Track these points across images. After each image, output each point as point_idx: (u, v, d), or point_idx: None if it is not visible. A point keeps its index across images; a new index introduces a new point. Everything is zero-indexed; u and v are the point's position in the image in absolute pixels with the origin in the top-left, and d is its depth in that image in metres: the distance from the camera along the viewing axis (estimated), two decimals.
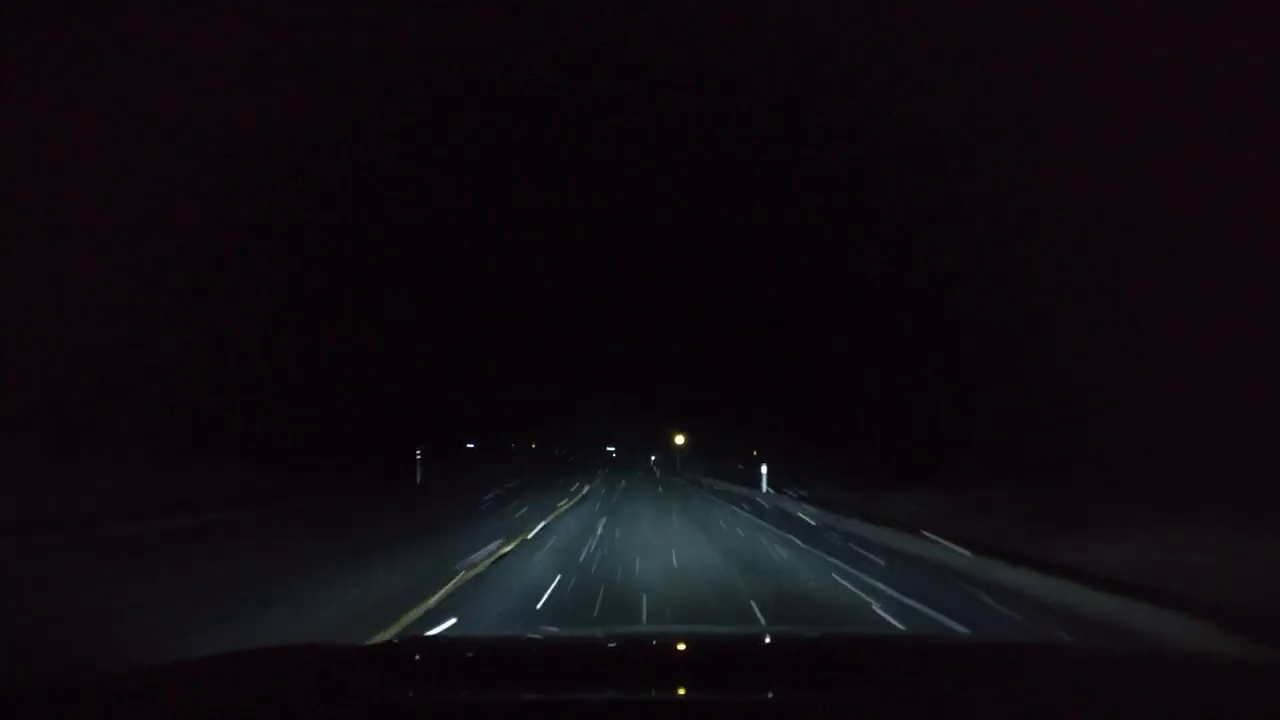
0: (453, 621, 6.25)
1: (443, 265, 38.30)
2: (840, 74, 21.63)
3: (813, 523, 15.82)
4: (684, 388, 71.83)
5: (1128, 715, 1.65)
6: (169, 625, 6.20)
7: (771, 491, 25.48)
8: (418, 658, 2.10)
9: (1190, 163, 13.32)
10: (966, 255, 19.91)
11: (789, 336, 38.57)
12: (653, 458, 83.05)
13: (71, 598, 7.19)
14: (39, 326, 16.36)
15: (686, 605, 7.25)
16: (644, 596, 7.47)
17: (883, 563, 10.10)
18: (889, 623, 6.50)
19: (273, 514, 15.97)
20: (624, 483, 35.05)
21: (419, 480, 29.19)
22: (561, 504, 20.38)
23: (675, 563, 10.07)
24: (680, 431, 64.40)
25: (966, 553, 9.95)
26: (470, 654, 2.26)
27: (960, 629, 6.29)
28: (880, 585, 8.25)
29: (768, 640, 2.77)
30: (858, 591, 7.96)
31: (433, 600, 7.03)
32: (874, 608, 7.12)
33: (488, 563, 9.52)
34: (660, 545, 11.73)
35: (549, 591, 7.72)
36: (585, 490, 27.98)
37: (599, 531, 13.71)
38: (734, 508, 20.68)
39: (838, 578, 8.86)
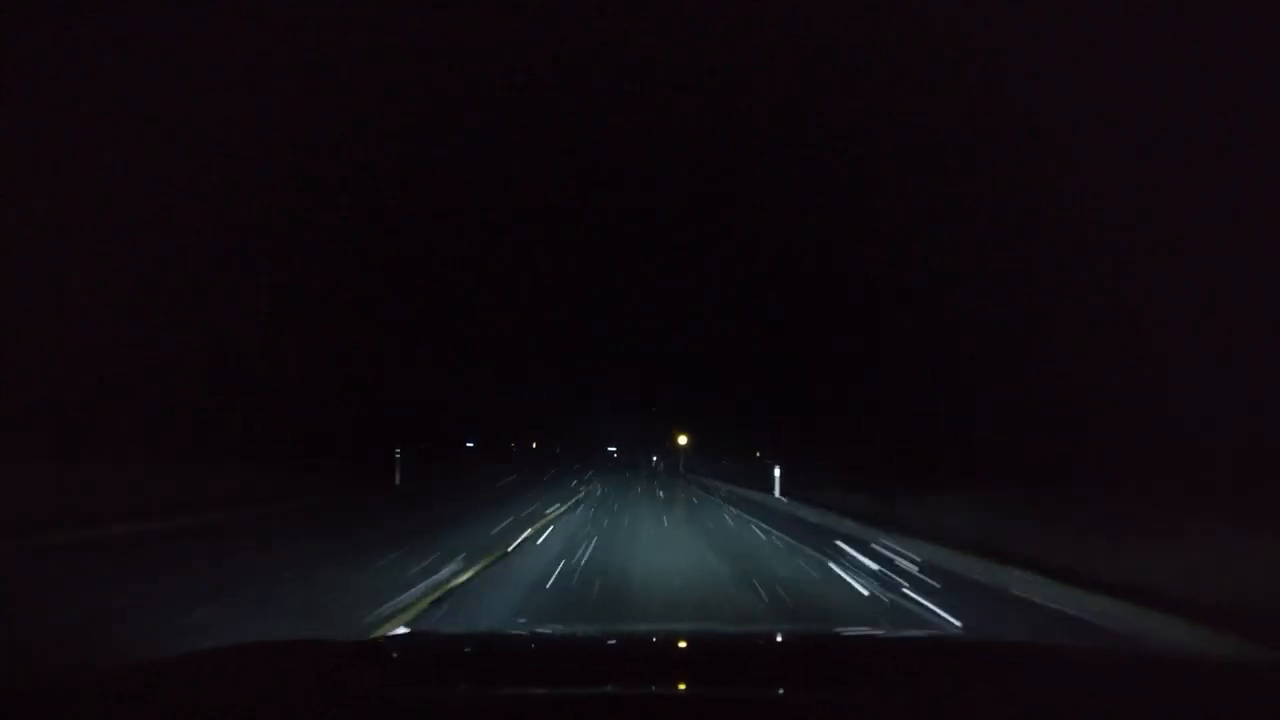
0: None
1: (443, 265, 38.21)
2: (840, 74, 21.61)
3: (874, 560, 11.07)
4: (684, 388, 71.72)
5: (1128, 716, 1.65)
6: (169, 625, 6.20)
7: (785, 499, 22.62)
8: (417, 654, 2.10)
9: (1190, 163, 13.31)
10: (966, 255, 19.88)
11: (789, 336, 38.51)
12: (654, 458, 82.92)
13: (71, 598, 7.19)
14: (39, 326, 16.36)
15: None
16: None
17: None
18: None
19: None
20: (626, 474, 35.02)
21: (398, 482, 26.04)
22: (550, 511, 18.62)
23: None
24: (683, 432, 64.44)
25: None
26: (469, 650, 2.26)
27: None
28: None
29: (769, 639, 2.76)
30: None
31: None
32: None
33: (424, 604, 7.25)
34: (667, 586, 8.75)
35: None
36: (582, 494, 27.85)
37: (581, 558, 10.93)
38: (761, 523, 17.02)
39: None
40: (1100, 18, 14.53)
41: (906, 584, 9.10)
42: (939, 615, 7.35)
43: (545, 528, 15.18)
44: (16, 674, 4.14)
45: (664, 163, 39.12)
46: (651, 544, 13.41)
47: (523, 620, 6.38)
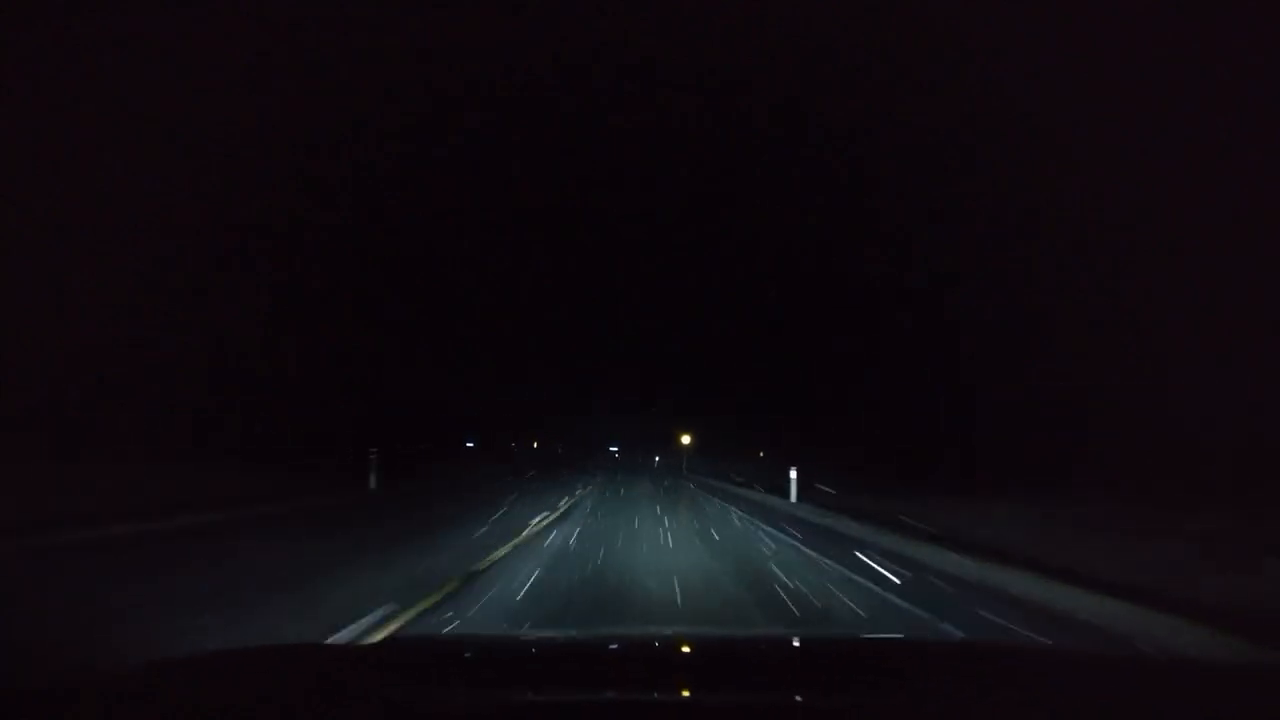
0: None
1: (443, 265, 38.27)
2: (840, 74, 21.64)
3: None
4: (684, 388, 71.89)
5: None
6: (169, 625, 6.20)
7: (825, 511, 17.35)
8: (417, 658, 2.10)
9: (1190, 163, 13.32)
10: (966, 255, 19.91)
11: (789, 336, 38.59)
12: (656, 458, 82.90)
13: (71, 598, 7.19)
14: (39, 326, 16.37)
15: None
16: None
17: None
18: None
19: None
20: (622, 490, 27.90)
21: (373, 486, 22.00)
22: (534, 520, 14.92)
23: None
24: (685, 431, 64.54)
25: None
26: (469, 654, 2.25)
27: None
28: None
29: (772, 643, 2.74)
30: None
31: None
32: None
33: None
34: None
35: None
36: (578, 494, 27.61)
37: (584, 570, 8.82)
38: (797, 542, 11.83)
39: None
40: (1100, 18, 14.54)
41: None
42: None
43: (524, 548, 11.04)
44: (16, 674, 4.14)
45: (664, 163, 39.20)
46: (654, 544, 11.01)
47: (528, 625, 6.34)
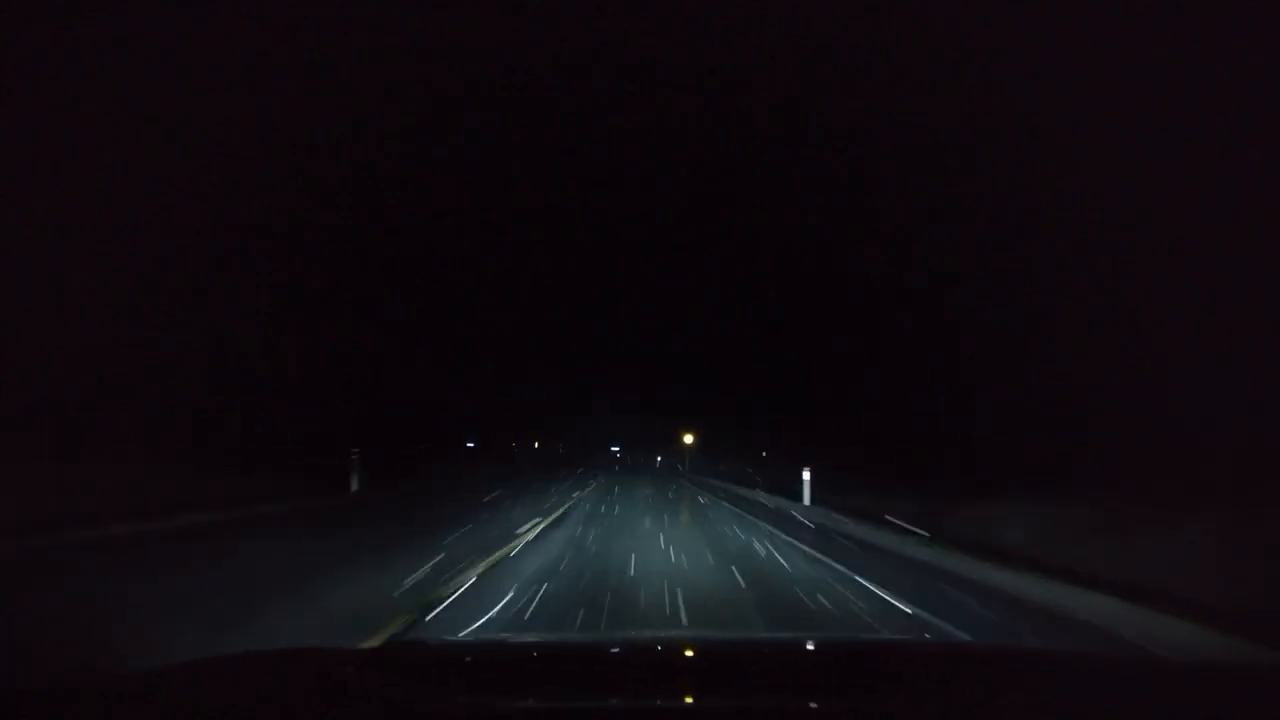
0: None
1: (443, 265, 38.24)
2: (840, 74, 21.62)
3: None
4: (684, 387, 71.91)
5: None
6: (169, 625, 6.20)
7: (822, 509, 17.14)
8: (418, 661, 2.09)
9: (1190, 163, 13.31)
10: (966, 255, 19.90)
11: (789, 336, 38.58)
12: (658, 458, 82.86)
13: (71, 598, 7.19)
14: (39, 326, 16.36)
15: None
16: None
17: None
18: None
19: None
20: (618, 491, 27.22)
21: (355, 489, 20.77)
22: (523, 527, 14.26)
23: None
24: (688, 431, 64.62)
25: None
26: (470, 658, 2.24)
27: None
28: None
29: (775, 647, 2.73)
30: None
31: None
32: None
33: None
34: None
35: None
36: (577, 495, 27.62)
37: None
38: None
39: None
40: (1100, 18, 14.53)
41: None
42: None
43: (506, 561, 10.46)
44: (16, 674, 4.14)
45: (664, 163, 39.16)
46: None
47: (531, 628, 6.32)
